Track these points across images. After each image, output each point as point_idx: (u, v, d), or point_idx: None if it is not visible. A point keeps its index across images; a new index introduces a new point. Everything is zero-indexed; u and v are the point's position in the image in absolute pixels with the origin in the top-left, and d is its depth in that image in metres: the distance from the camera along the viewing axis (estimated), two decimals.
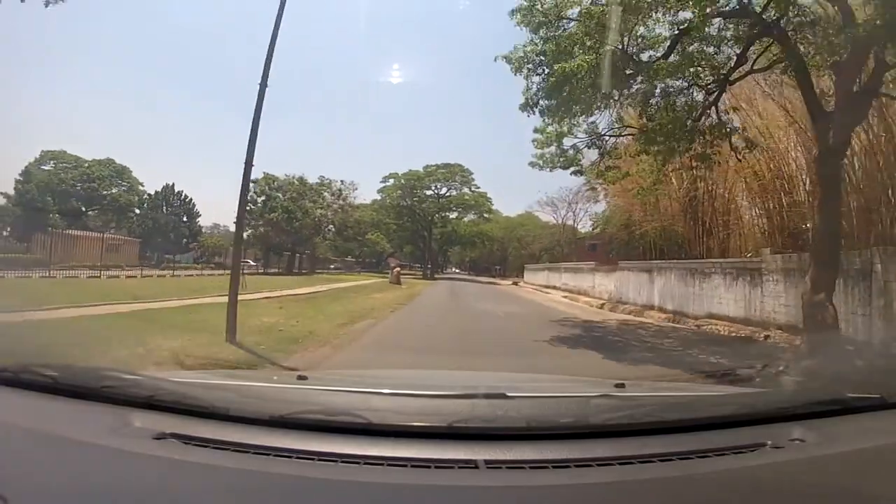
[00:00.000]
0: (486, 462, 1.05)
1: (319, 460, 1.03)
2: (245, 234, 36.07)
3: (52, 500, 0.91)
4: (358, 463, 1.03)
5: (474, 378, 2.57)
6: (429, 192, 53.67)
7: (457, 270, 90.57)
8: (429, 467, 1.03)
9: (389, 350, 7.25)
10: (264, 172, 37.90)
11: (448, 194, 53.51)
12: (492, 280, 53.09)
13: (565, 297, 25.02)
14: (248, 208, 34.32)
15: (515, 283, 42.68)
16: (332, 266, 62.16)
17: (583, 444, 1.15)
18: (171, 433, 1.09)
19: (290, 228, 37.01)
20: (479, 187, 53.76)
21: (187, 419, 1.17)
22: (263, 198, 37.20)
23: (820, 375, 5.07)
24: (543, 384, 2.31)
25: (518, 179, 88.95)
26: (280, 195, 37.30)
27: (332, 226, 42.83)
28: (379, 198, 54.28)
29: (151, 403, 1.23)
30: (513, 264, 74.34)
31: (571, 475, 1.04)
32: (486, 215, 55.65)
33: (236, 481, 0.96)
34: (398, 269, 27.89)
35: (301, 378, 1.76)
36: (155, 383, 1.38)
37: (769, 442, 1.20)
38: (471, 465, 1.05)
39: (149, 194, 44.63)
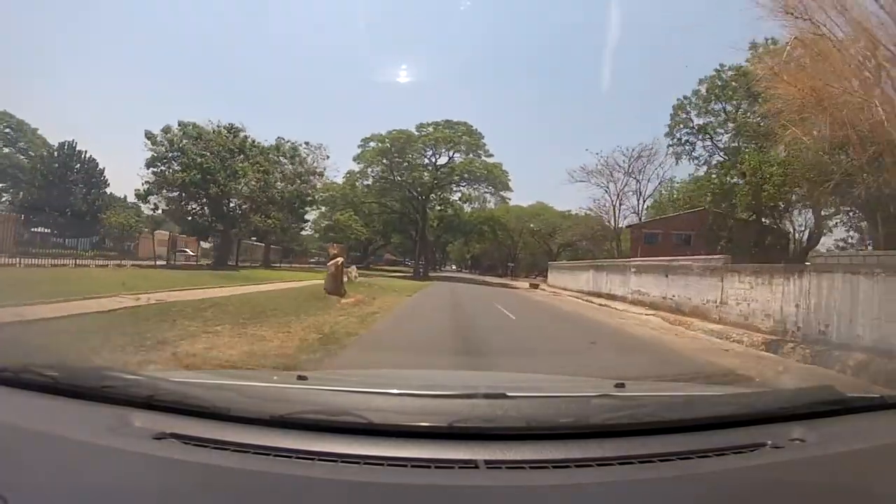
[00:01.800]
0: (486, 462, 1.08)
1: (319, 460, 1.06)
2: (154, 208, 25.10)
3: (52, 500, 0.93)
4: (358, 463, 1.06)
5: (474, 378, 2.65)
6: (423, 161, 41.51)
7: (460, 269, 79.73)
8: (429, 467, 1.06)
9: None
10: (180, 121, 26.47)
11: (450, 163, 40.95)
12: (503, 282, 41.99)
13: (652, 314, 16.15)
14: (156, 170, 23.61)
15: (535, 287, 35.23)
16: (312, 260, 54.99)
17: (583, 444, 1.18)
18: (171, 433, 1.12)
19: (205, 196, 25.48)
20: (491, 155, 41.38)
21: (187, 419, 1.20)
22: (177, 153, 25.54)
23: None
24: (543, 384, 2.34)
25: (526, 169, 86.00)
26: (208, 154, 25.74)
27: (281, 197, 30.80)
28: (357, 168, 42.32)
29: (151, 403, 1.25)
30: (523, 262, 67.02)
31: (571, 475, 1.06)
32: (503, 194, 43.19)
33: (236, 481, 0.99)
34: (340, 261, 15.17)
35: (301, 378, 1.77)
36: (155, 383, 1.39)
37: (769, 442, 1.24)
38: (471, 465, 1.07)
39: (41, 154, 33.08)
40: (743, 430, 1.31)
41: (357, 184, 42.19)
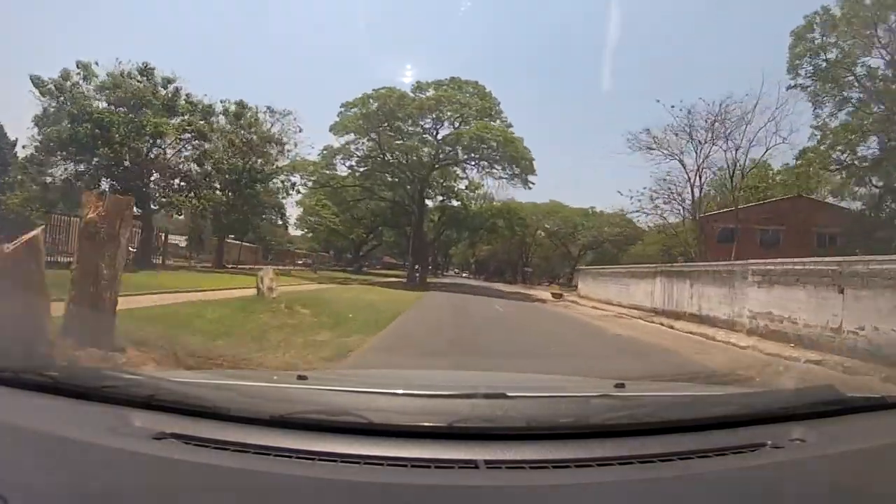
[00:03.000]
0: (486, 462, 1.08)
1: (319, 460, 1.06)
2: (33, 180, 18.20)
3: (52, 500, 0.94)
4: (358, 463, 1.06)
5: (474, 378, 2.63)
6: (421, 134, 31.50)
7: (464, 273, 72.84)
8: (429, 467, 1.07)
9: None
10: (80, 62, 19.25)
11: (456, 130, 30.71)
12: (519, 290, 35.23)
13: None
14: (48, 129, 16.86)
15: (558, 296, 29.07)
16: (300, 262, 48.55)
17: (583, 444, 1.19)
18: (171, 433, 1.13)
19: (118, 167, 18.30)
20: (510, 125, 31.27)
21: (187, 419, 1.21)
22: (67, 105, 18.33)
23: None
24: (543, 384, 2.35)
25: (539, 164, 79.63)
26: (121, 107, 18.64)
27: (217, 171, 23.24)
28: (336, 144, 32.40)
29: (151, 403, 1.26)
30: (535, 266, 60.94)
31: (571, 475, 1.07)
32: (527, 177, 31.84)
33: (236, 481, 0.99)
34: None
35: (301, 378, 1.76)
36: (155, 383, 1.41)
37: (769, 442, 1.24)
38: (471, 465, 1.08)
39: None
40: (743, 430, 1.32)
41: (337, 162, 32.72)
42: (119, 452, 1.05)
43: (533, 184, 32.25)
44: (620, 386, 1.79)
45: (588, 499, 1.02)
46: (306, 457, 1.06)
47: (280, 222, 40.19)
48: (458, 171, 34.70)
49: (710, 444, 1.21)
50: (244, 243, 41.53)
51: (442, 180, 35.45)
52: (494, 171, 32.09)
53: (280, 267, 39.56)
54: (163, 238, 24.45)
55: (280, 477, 0.99)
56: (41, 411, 1.24)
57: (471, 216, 37.24)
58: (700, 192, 25.17)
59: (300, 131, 29.48)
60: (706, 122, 24.22)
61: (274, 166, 26.74)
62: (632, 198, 26.59)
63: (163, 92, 22.70)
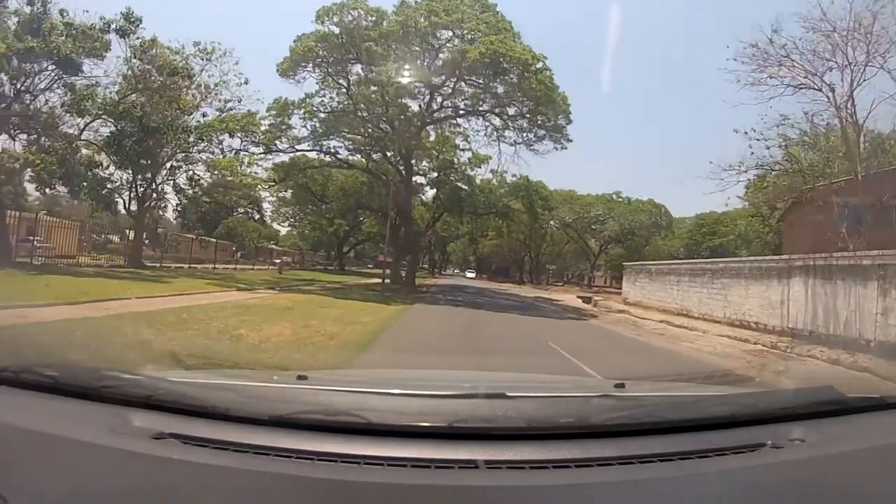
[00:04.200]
0: (486, 462, 1.10)
1: (319, 460, 1.08)
2: None
3: (51, 500, 0.95)
4: (358, 463, 1.08)
5: (474, 378, 2.66)
6: (406, 75, 20.84)
7: (468, 273, 65.29)
8: (429, 467, 1.08)
9: None
10: None
11: (458, 47, 20.58)
12: (540, 294, 29.01)
13: None
14: None
15: (587, 301, 24.39)
16: (278, 260, 44.30)
17: (583, 444, 1.20)
18: (171, 433, 1.15)
19: None
20: (545, 61, 20.55)
21: (187, 419, 1.23)
22: None
23: None
24: (543, 384, 2.37)
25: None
26: None
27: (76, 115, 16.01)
28: (289, 95, 23.41)
29: (151, 403, 1.27)
30: (545, 263, 58.16)
31: (571, 475, 1.08)
32: (563, 133, 22.25)
33: (236, 481, 1.01)
34: None
35: (301, 378, 1.78)
36: (155, 383, 1.42)
37: (769, 442, 1.26)
38: (471, 465, 1.09)
39: None
40: (743, 430, 1.32)
41: (295, 124, 23.61)
42: (119, 452, 1.06)
43: (570, 140, 23.09)
44: (620, 386, 1.80)
45: (588, 499, 1.04)
46: (306, 457, 1.07)
47: (258, 216, 33.52)
48: (459, 141, 26.57)
49: (710, 444, 1.23)
50: (209, 239, 34.68)
51: (436, 152, 27.23)
52: (511, 129, 22.88)
53: (236, 267, 32.88)
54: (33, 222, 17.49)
55: (280, 477, 1.01)
56: (41, 411, 1.25)
57: (476, 194, 28.24)
58: (861, 137, 13.92)
59: (246, 83, 22.07)
60: (857, 25, 12.82)
61: (188, 117, 19.30)
62: (753, 143, 14.66)
63: (24, 7, 15.53)
